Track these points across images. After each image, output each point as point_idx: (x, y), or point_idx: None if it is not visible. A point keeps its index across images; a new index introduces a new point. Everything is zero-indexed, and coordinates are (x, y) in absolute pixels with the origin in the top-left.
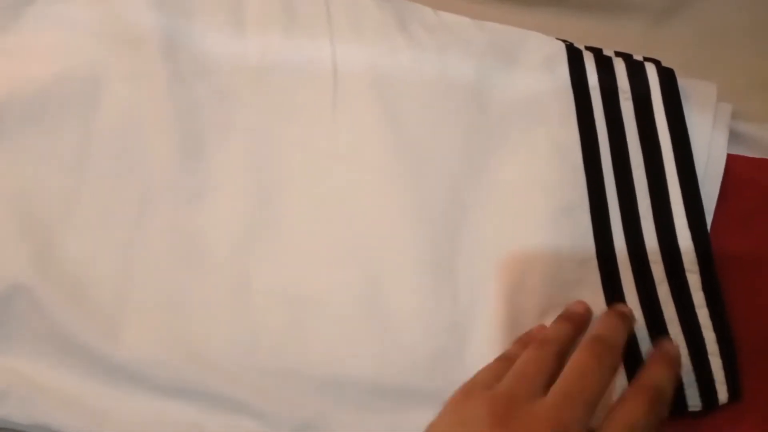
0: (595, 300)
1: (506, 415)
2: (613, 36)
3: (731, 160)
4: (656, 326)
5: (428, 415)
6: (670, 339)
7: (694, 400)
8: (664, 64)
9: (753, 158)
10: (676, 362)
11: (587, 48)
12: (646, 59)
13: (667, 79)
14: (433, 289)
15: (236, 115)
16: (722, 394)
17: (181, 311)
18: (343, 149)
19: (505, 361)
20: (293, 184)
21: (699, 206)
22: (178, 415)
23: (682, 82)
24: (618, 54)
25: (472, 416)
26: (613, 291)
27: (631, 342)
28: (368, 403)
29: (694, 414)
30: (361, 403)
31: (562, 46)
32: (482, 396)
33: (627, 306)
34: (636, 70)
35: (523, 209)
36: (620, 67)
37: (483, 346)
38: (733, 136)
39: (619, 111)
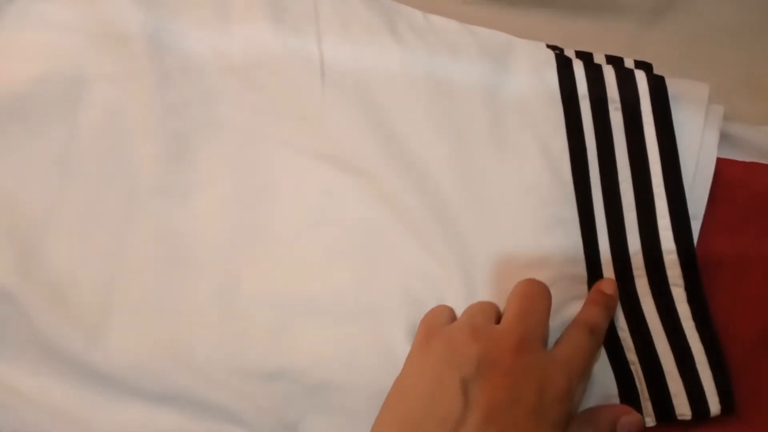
0: None
1: (474, 333)
2: (604, 37)
3: (722, 163)
4: (642, 338)
5: None
6: (609, 278)
7: (682, 409)
8: (655, 64)
9: (743, 162)
10: (611, 300)
11: (577, 54)
12: (638, 64)
13: (657, 88)
14: (425, 293)
15: (223, 114)
16: (714, 405)
17: (166, 316)
18: (330, 150)
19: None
20: (281, 186)
21: (686, 221)
22: (164, 422)
23: (673, 82)
24: (609, 59)
25: (439, 348)
26: None
27: (616, 351)
28: (356, 408)
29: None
30: (348, 408)
31: (551, 53)
32: (443, 333)
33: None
34: (626, 79)
35: (516, 219)
36: (610, 76)
37: None
38: (724, 137)
39: (608, 121)
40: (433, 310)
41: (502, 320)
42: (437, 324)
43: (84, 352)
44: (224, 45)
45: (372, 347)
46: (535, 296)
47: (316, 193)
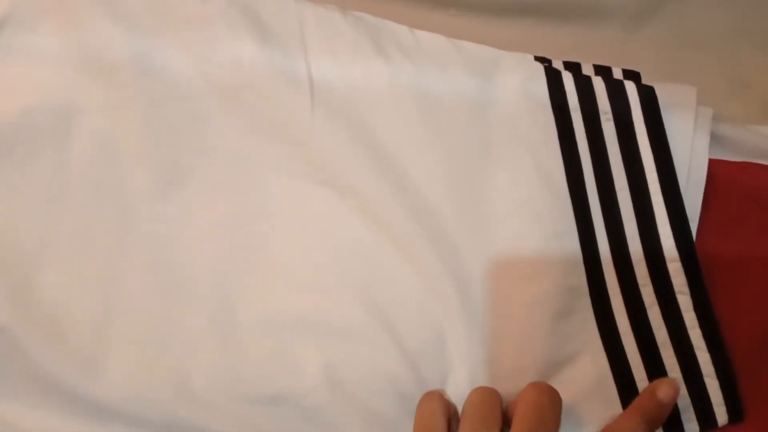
0: (587, 329)
1: None
2: (590, 43)
3: (714, 164)
4: (648, 350)
5: None
6: (670, 380)
7: (690, 424)
8: (640, 69)
9: (735, 162)
10: (660, 410)
11: (565, 65)
12: (626, 74)
13: (648, 98)
14: (421, 313)
15: (213, 139)
16: (721, 416)
17: (163, 345)
18: (322, 172)
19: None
20: (273, 210)
21: (686, 227)
22: None
23: (660, 87)
24: (597, 70)
25: None
26: (604, 316)
27: (622, 366)
28: (359, 427)
29: None
30: (352, 426)
31: (540, 66)
32: None
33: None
34: (616, 90)
35: (511, 234)
36: (600, 87)
37: (468, 372)
38: (714, 138)
39: (600, 133)
40: (423, 413)
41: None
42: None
43: (82, 385)
44: (211, 68)
45: (368, 368)
46: (547, 413)
47: (309, 216)
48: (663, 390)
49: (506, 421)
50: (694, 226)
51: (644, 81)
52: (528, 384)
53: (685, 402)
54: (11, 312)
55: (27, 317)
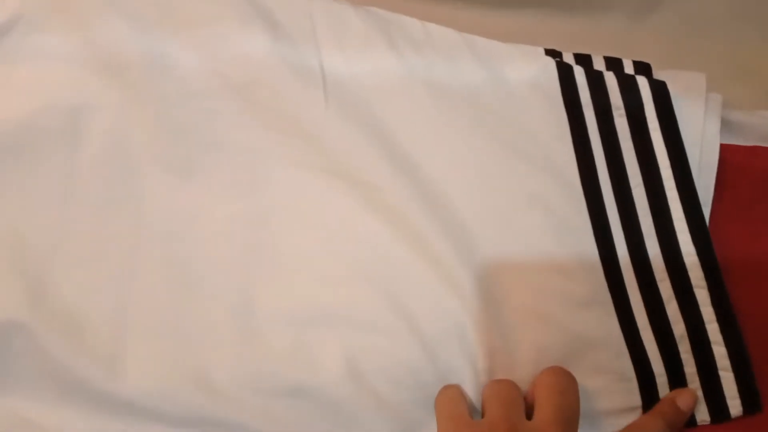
0: (608, 321)
1: None
2: (596, 33)
3: (725, 149)
4: (666, 344)
5: None
6: (690, 390)
7: (702, 415)
8: (648, 58)
9: (746, 146)
10: (679, 417)
11: (576, 58)
12: (637, 66)
13: (660, 93)
14: (439, 307)
15: (226, 135)
16: (735, 408)
17: (182, 340)
18: (336, 166)
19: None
20: (290, 204)
21: (702, 221)
22: None
23: (670, 74)
24: (608, 63)
25: None
26: (623, 312)
27: (642, 359)
28: (374, 427)
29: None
30: (367, 426)
31: (552, 61)
32: (477, 427)
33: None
34: (628, 85)
35: (525, 228)
36: (612, 82)
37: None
38: (724, 124)
39: (613, 128)
40: (447, 397)
41: (537, 416)
42: (463, 417)
43: (102, 381)
44: (222, 64)
45: (387, 359)
46: (568, 394)
47: (324, 209)
48: (683, 400)
49: (527, 408)
50: (706, 211)
51: (652, 70)
52: (544, 369)
53: (698, 395)
54: (29, 310)
55: (45, 315)
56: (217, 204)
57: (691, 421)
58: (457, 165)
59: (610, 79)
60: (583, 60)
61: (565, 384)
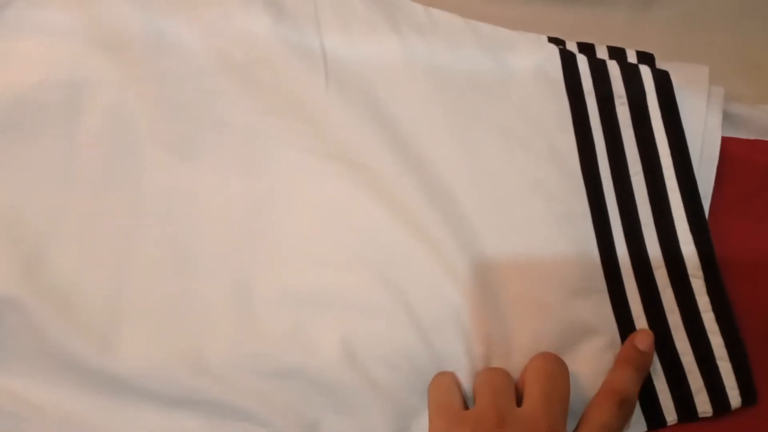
0: (603, 309)
1: (501, 423)
2: (600, 25)
3: (726, 142)
4: (661, 333)
5: None
6: (644, 330)
7: (704, 407)
8: (651, 50)
9: (748, 140)
10: (644, 358)
11: (579, 47)
12: (640, 56)
13: (663, 82)
14: (437, 291)
15: (227, 115)
16: (734, 399)
17: (178, 320)
18: (337, 149)
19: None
20: (289, 186)
21: (700, 211)
22: (183, 426)
23: (673, 66)
24: (611, 52)
25: None
26: (618, 299)
27: None
28: (370, 411)
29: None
30: (362, 409)
31: (555, 48)
32: (466, 421)
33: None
34: (631, 74)
35: (526, 215)
36: (615, 71)
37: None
38: (726, 117)
39: (615, 116)
40: (439, 386)
41: (526, 402)
42: (453, 407)
43: (96, 359)
44: (224, 43)
45: (384, 343)
46: (557, 378)
47: (323, 192)
48: (641, 341)
49: (518, 394)
50: (706, 203)
51: (655, 61)
52: (535, 354)
53: (698, 385)
54: (23, 286)
55: (39, 292)
56: (216, 185)
57: (693, 415)
58: (458, 151)
59: (613, 68)
60: (586, 49)
61: (555, 369)
